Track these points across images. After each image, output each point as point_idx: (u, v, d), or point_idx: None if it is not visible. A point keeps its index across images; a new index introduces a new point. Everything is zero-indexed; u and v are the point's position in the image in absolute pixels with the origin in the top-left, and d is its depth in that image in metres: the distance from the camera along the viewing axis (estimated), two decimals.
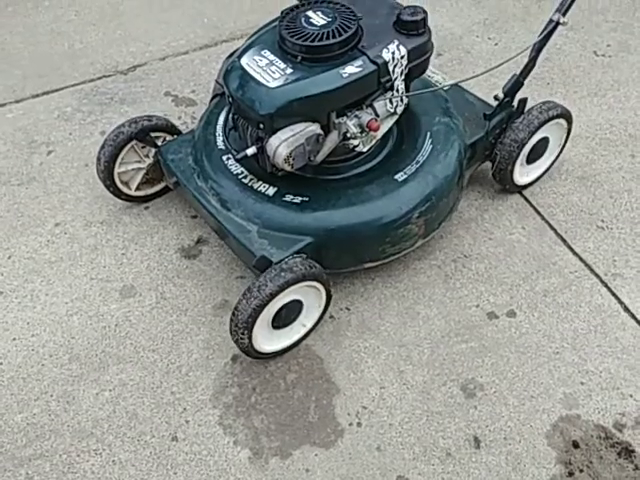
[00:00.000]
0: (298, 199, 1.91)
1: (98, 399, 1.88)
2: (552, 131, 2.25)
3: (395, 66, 1.80)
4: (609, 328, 2.00)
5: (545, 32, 2.00)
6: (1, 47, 3.07)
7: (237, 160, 1.95)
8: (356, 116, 1.84)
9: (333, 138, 1.85)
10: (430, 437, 1.80)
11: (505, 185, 2.30)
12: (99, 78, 2.89)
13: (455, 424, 1.82)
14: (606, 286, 2.11)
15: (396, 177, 1.95)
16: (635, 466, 1.74)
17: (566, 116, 2.25)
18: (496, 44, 3.01)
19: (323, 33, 1.75)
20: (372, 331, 2.01)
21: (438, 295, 2.09)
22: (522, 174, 2.30)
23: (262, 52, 1.82)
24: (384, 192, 1.92)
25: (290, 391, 1.89)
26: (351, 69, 1.75)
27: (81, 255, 2.22)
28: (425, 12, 1.84)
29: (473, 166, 2.23)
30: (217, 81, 2.28)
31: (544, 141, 2.26)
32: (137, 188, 2.27)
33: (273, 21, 1.92)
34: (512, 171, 2.23)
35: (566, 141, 2.36)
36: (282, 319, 1.87)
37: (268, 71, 1.76)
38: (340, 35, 1.75)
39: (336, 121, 1.84)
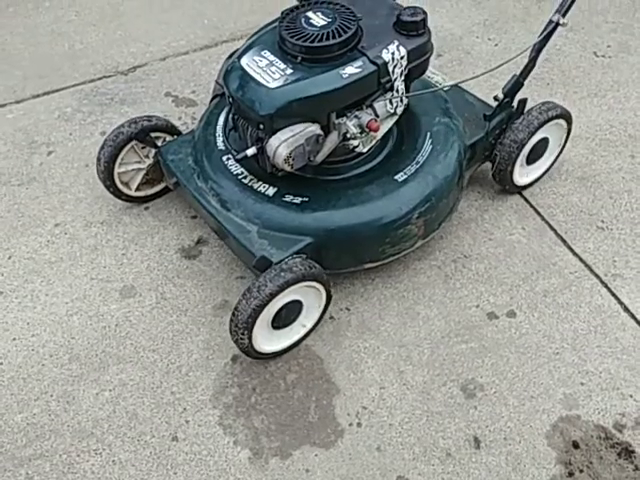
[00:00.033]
0: (298, 199, 1.91)
1: (98, 399, 1.88)
2: (552, 132, 2.26)
3: (395, 67, 1.80)
4: (609, 328, 2.00)
5: (545, 33, 2.01)
6: (2, 48, 3.07)
7: (237, 160, 1.95)
8: (356, 117, 1.84)
9: (333, 139, 1.86)
10: (430, 437, 1.80)
11: (505, 186, 2.30)
12: (99, 78, 2.89)
13: (455, 424, 1.82)
14: (606, 286, 2.11)
15: (396, 177, 1.95)
16: (635, 466, 1.74)
17: (566, 117, 2.25)
18: (496, 45, 3.01)
19: (323, 34, 1.76)
20: (372, 331, 2.01)
21: (438, 295, 2.09)
22: (522, 175, 2.31)
23: (262, 52, 1.82)
24: (384, 192, 1.92)
25: (290, 391, 1.89)
26: (351, 70, 1.75)
27: (81, 255, 2.22)
28: (425, 13, 1.84)
29: (473, 167, 2.23)
30: (217, 81, 2.29)
31: (544, 142, 2.26)
32: (137, 188, 2.27)
33: (273, 22, 1.92)
34: (512, 172, 2.23)
35: (566, 142, 2.36)
36: (282, 319, 1.87)
37: (268, 71, 1.77)
38: (340, 36, 1.75)
39: (336, 121, 1.84)
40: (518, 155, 2.17)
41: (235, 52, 1.94)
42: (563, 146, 2.36)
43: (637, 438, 1.78)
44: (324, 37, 1.75)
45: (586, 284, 2.11)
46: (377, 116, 1.86)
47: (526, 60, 2.07)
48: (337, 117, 1.84)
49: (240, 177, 1.97)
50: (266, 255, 1.80)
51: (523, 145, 2.15)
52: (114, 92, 2.81)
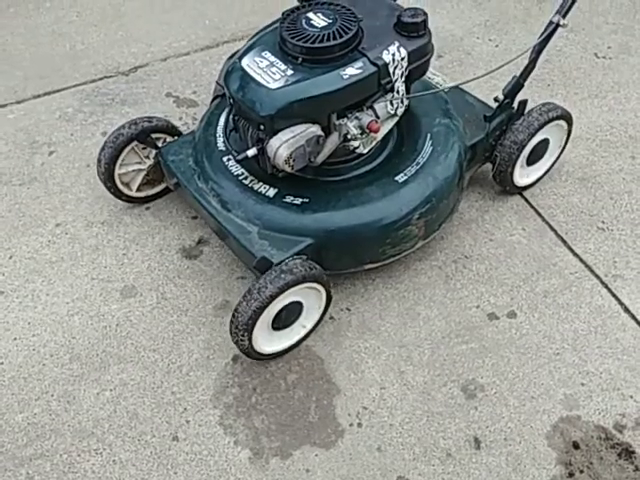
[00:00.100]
0: (298, 200, 1.91)
1: (99, 399, 1.88)
2: (552, 133, 2.26)
3: (395, 68, 1.81)
4: (609, 329, 2.01)
5: (545, 34, 2.01)
6: (2, 48, 3.07)
7: (238, 161, 1.95)
8: (356, 117, 1.84)
9: (333, 139, 1.86)
10: (430, 438, 1.80)
11: (505, 186, 2.30)
12: (100, 79, 2.89)
13: (455, 425, 1.82)
14: (606, 287, 2.11)
15: (396, 178, 1.96)
16: (635, 467, 1.74)
17: (566, 118, 2.25)
18: (497, 46, 3.01)
19: (324, 34, 1.76)
20: (372, 332, 2.02)
21: (439, 296, 2.10)
22: (522, 175, 2.31)
23: (263, 53, 1.82)
24: (384, 193, 1.92)
25: (291, 391, 1.89)
26: (351, 70, 1.75)
27: (82, 255, 2.22)
28: (425, 14, 1.84)
29: (473, 167, 2.23)
30: (218, 82, 2.29)
31: (544, 143, 2.26)
32: (138, 189, 2.27)
33: (274, 22, 1.93)
34: (512, 172, 2.23)
35: (566, 143, 2.36)
36: (282, 320, 1.87)
37: (269, 72, 1.77)
38: (341, 37, 1.76)
39: (336, 122, 1.84)
40: (518, 156, 2.17)
41: (236, 53, 1.95)
42: (563, 147, 2.37)
43: (637, 439, 1.78)
44: (325, 38, 1.75)
45: (586, 285, 2.12)
46: (378, 117, 1.86)
47: (526, 61, 2.07)
48: (338, 118, 1.84)
49: (241, 178, 1.97)
50: (266, 256, 1.80)
51: (523, 146, 2.15)
52: (115, 92, 2.82)
